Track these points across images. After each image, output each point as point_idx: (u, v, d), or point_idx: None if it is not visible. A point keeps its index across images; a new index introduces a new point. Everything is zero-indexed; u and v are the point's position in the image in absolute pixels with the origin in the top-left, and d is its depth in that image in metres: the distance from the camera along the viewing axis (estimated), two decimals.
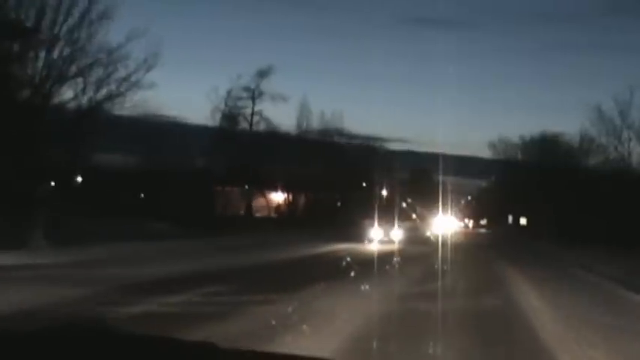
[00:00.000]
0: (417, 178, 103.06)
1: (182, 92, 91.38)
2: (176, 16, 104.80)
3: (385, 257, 22.30)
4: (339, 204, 57.82)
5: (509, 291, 14.53)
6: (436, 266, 19.09)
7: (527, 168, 64.07)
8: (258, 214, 54.50)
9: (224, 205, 47.16)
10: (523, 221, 68.48)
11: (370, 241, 31.30)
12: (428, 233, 54.44)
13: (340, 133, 60.86)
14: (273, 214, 55.74)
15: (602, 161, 51.73)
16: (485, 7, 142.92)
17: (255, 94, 52.68)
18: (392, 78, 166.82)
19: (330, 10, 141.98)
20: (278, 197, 57.85)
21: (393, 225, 34.27)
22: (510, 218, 73.55)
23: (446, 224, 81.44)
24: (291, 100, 64.25)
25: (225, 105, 51.71)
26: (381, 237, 32.23)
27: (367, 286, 13.74)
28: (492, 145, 72.69)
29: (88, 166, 36.56)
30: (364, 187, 65.97)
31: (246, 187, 52.52)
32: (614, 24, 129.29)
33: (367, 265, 18.38)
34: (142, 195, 41.97)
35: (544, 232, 50.61)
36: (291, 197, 56.77)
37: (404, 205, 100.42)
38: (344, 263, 18.87)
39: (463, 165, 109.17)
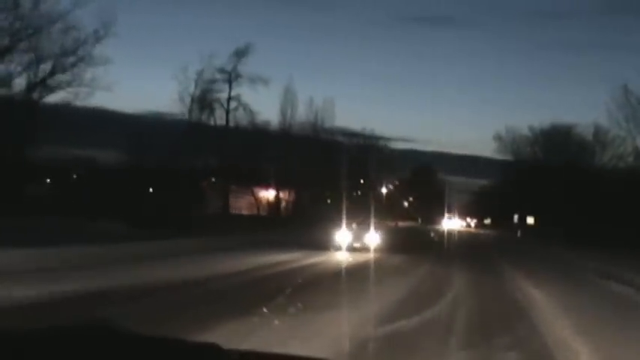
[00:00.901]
0: (419, 176, 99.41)
1: (156, 82, 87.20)
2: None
3: (348, 276, 16.29)
4: (329, 201, 53.57)
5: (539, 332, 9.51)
6: (415, 299, 12.41)
7: (535, 164, 59.86)
8: (245, 212, 50.66)
9: (200, 202, 43.31)
10: (530, 220, 63.45)
11: (336, 248, 24.27)
12: (432, 234, 50.71)
13: (335, 129, 56.49)
14: (262, 212, 51.80)
15: (618, 155, 48.19)
16: (486, 5, 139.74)
17: (231, 77, 46.59)
18: (396, 77, 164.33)
19: (329, 9, 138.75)
20: (268, 194, 53.94)
21: (369, 227, 26.21)
22: (516, 217, 68.64)
23: (448, 224, 78.17)
24: (274, 86, 58.80)
25: (196, 87, 45.34)
26: (349, 242, 24.96)
27: (289, 335, 8.12)
28: (498, 137, 67.24)
29: (38, 160, 32.79)
30: (361, 184, 62.36)
31: (213, 179, 47.43)
32: (612, 23, 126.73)
33: (308, 292, 12.39)
34: (105, 194, 37.95)
35: (555, 233, 47.00)
36: (279, 195, 52.77)
37: (405, 204, 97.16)
38: (279, 286, 12.67)
39: (466, 164, 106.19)
